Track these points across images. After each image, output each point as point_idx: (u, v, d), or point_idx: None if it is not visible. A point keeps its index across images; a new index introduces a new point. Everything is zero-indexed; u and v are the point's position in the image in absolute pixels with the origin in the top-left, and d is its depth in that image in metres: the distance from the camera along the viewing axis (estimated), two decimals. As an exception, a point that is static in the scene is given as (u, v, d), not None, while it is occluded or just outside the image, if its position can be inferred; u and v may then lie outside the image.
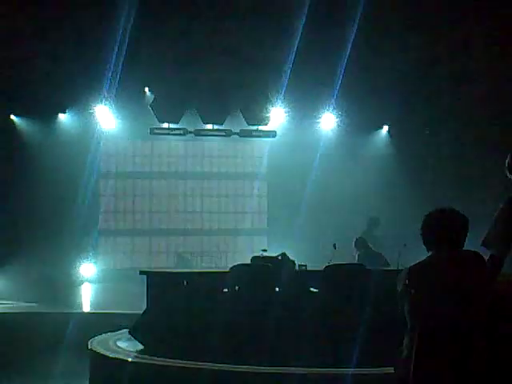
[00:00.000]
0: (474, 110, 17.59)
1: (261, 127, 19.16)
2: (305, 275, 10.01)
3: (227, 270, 9.85)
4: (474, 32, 17.52)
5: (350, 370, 7.25)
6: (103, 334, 10.41)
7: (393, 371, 4.97)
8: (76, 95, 17.43)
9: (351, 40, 16.61)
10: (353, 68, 16.93)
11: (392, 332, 5.18)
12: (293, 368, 7.72)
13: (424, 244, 4.77)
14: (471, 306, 4.43)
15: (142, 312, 10.05)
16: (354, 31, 16.55)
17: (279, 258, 10.23)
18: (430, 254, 4.73)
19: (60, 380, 10.17)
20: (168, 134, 19.17)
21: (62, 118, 18.37)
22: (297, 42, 16.58)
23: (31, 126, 17.96)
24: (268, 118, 18.78)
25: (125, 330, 10.39)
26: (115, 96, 17.51)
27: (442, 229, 4.68)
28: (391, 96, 17.79)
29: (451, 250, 4.65)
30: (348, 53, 16.72)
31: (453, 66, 18.00)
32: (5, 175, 16.93)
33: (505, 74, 16.97)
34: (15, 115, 17.88)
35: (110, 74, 16.55)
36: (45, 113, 17.83)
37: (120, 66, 16.35)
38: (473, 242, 4.95)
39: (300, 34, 16.50)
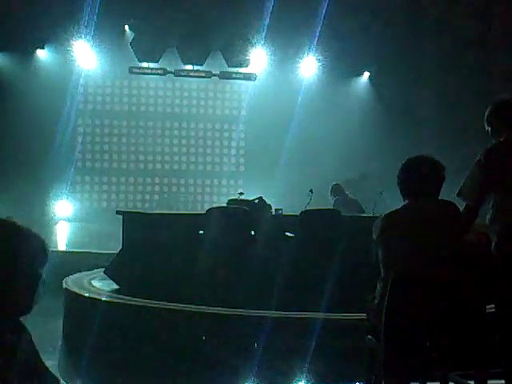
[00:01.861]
0: (457, 57, 17.50)
1: (241, 70, 19.02)
2: (281, 219, 10.04)
3: (204, 212, 9.85)
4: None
5: (322, 315, 7.30)
6: (78, 273, 10.42)
7: (365, 317, 5.02)
8: (55, 30, 17.14)
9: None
10: (336, 10, 16.74)
11: (365, 279, 5.21)
12: (265, 312, 7.76)
13: (400, 193, 4.78)
14: (443, 256, 4.46)
15: (117, 252, 10.05)
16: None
17: (256, 201, 10.24)
18: (405, 202, 4.74)
19: (34, 317, 10.20)
20: (147, 73, 19.01)
21: (41, 53, 18.11)
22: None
23: (8, 60, 17.70)
24: (248, 60, 18.64)
25: (100, 269, 10.40)
26: (94, 33, 17.25)
27: (418, 177, 4.68)
28: (374, 40, 17.66)
29: (426, 199, 4.65)
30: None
31: (438, 10, 17.87)
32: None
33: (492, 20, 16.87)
34: (-9, 49, 17.62)
35: (89, 9, 16.27)
36: (23, 48, 17.54)
37: (99, 2, 16.08)
38: (450, 192, 4.96)
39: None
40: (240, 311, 7.84)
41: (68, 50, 17.72)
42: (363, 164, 16.69)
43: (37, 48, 17.97)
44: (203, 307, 7.97)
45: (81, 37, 17.44)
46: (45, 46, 17.97)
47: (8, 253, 2.59)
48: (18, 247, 2.62)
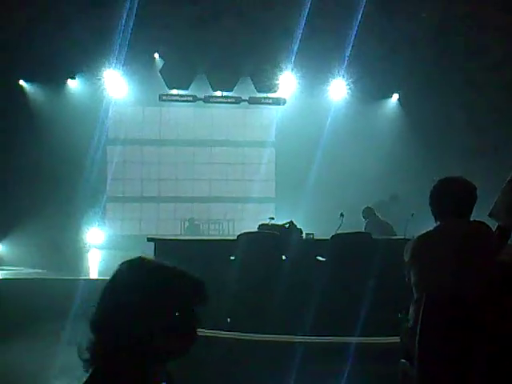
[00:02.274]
0: (488, 78, 17.41)
1: (270, 94, 19.06)
2: (312, 244, 10.00)
3: (234, 237, 9.84)
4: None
5: (354, 339, 7.23)
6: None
7: (398, 341, 4.96)
8: (85, 61, 17.33)
9: (363, 4, 16.41)
10: (364, 34, 16.74)
11: (398, 302, 5.15)
12: (298, 337, 7.71)
13: (432, 214, 4.73)
14: (477, 278, 4.40)
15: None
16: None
17: (286, 226, 10.21)
18: (437, 224, 4.69)
19: (68, 346, 10.20)
20: (177, 100, 19.11)
21: (71, 83, 18.30)
22: (308, 7, 16.40)
23: (40, 91, 17.89)
24: (277, 85, 18.66)
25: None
26: (125, 62, 17.40)
27: (449, 198, 4.63)
28: (403, 63, 17.63)
29: (458, 220, 4.60)
30: (360, 18, 16.52)
31: (467, 33, 17.80)
32: (13, 141, 16.88)
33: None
34: (24, 80, 17.80)
35: (119, 40, 16.43)
36: (54, 78, 17.74)
37: (129, 31, 16.21)
38: (482, 213, 4.90)
39: (311, -2, 16.35)
40: (272, 337, 7.80)
41: (98, 79, 17.87)
42: (394, 186, 16.56)
43: (68, 78, 18.16)
44: (235, 333, 7.94)
45: (111, 66, 17.61)
46: (76, 76, 18.15)
47: (162, 294, 2.56)
48: (171, 287, 2.58)
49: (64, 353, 10.11)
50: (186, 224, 19.76)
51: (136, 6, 16.04)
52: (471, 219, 4.67)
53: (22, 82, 17.78)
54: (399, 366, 4.70)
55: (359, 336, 7.35)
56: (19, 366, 9.94)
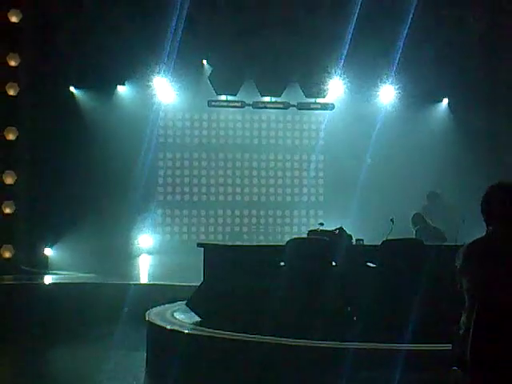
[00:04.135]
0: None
1: (319, 100, 19.04)
2: (362, 250, 9.97)
3: (284, 243, 9.85)
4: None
5: (405, 346, 7.19)
6: (160, 306, 10.53)
7: (450, 348, 4.92)
8: (135, 67, 17.51)
9: (412, 9, 16.32)
10: (413, 38, 16.66)
11: (450, 309, 5.11)
12: (349, 343, 7.69)
13: (484, 220, 4.68)
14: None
15: (199, 284, 10.12)
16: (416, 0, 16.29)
17: (336, 232, 10.19)
18: (488, 229, 4.64)
19: (118, 351, 10.32)
20: (226, 106, 19.19)
21: (121, 89, 18.48)
22: (356, 12, 16.37)
23: (91, 97, 18.09)
24: (326, 90, 18.64)
25: (182, 302, 10.48)
26: (173, 68, 17.54)
27: (502, 204, 4.58)
28: (452, 68, 17.50)
29: (509, 227, 4.55)
30: (409, 23, 16.44)
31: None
32: (64, 146, 17.10)
33: None
34: (75, 87, 18.02)
35: (168, 46, 16.57)
36: (104, 85, 17.93)
37: (178, 38, 16.36)
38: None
39: (359, 4, 16.29)
40: (322, 343, 7.79)
41: (148, 86, 18.04)
42: (443, 192, 16.41)
43: (118, 84, 18.34)
44: (285, 339, 7.96)
45: (160, 72, 17.76)
46: (125, 83, 18.33)
47: None
48: None
49: (114, 357, 10.25)
50: (236, 229, 19.81)
51: (185, 14, 16.19)
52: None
53: (72, 89, 17.98)
54: (451, 374, 4.66)
55: (410, 343, 7.30)
56: (70, 370, 10.10)
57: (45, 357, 10.85)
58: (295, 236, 10.34)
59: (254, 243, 14.54)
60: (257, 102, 19.08)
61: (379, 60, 17.47)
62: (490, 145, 18.07)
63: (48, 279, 15.19)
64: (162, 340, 9.10)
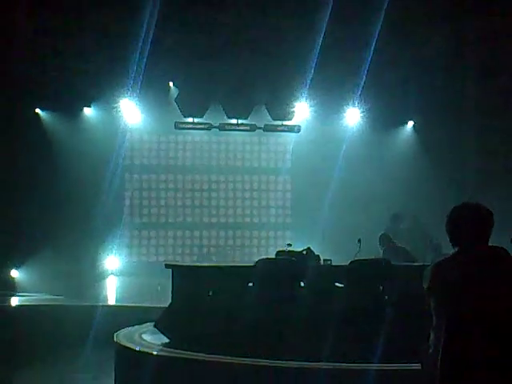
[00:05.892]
0: (500, 103, 17.49)
1: (285, 122, 19.15)
2: (330, 270, 10.02)
3: (252, 264, 9.88)
4: (500, 22, 17.42)
5: (375, 366, 7.24)
6: (129, 327, 10.49)
7: (419, 367, 4.97)
8: (101, 89, 17.50)
9: (376, 33, 16.55)
10: (378, 61, 16.87)
11: (418, 328, 5.17)
12: (317, 363, 7.72)
13: (450, 240, 4.75)
14: (498, 304, 4.42)
15: (167, 305, 10.10)
16: (379, 24, 16.50)
17: (304, 252, 10.24)
18: (455, 250, 4.71)
19: (86, 372, 10.26)
20: (192, 128, 19.23)
21: (87, 111, 18.43)
22: (322, 36, 16.56)
23: (56, 119, 18.02)
24: (293, 112, 18.77)
25: (150, 323, 10.46)
26: (140, 90, 17.56)
27: (467, 224, 4.65)
28: (416, 90, 17.72)
29: (477, 246, 4.63)
30: (373, 46, 16.66)
31: (479, 58, 17.92)
32: (30, 169, 17.01)
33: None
34: (40, 109, 17.94)
35: (134, 68, 16.61)
36: (70, 107, 17.88)
37: (144, 60, 16.41)
38: (500, 238, 4.92)
39: (325, 28, 16.48)
40: (290, 364, 7.81)
41: (114, 108, 18.02)
42: (410, 212, 16.56)
43: (84, 106, 18.30)
44: (254, 359, 7.97)
45: (126, 94, 17.76)
46: (91, 105, 18.29)
47: None
48: None
49: (81, 380, 10.19)
50: (203, 250, 19.80)
51: (151, 36, 16.25)
52: (489, 245, 4.69)
53: (38, 110, 17.90)
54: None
55: (378, 363, 7.35)
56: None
57: (10, 380, 10.75)
58: (263, 257, 10.35)
59: (222, 264, 14.51)
60: (223, 123, 19.14)
61: (345, 83, 17.64)
62: (455, 166, 18.30)
63: (15, 301, 15.07)
64: (130, 361, 9.06)
